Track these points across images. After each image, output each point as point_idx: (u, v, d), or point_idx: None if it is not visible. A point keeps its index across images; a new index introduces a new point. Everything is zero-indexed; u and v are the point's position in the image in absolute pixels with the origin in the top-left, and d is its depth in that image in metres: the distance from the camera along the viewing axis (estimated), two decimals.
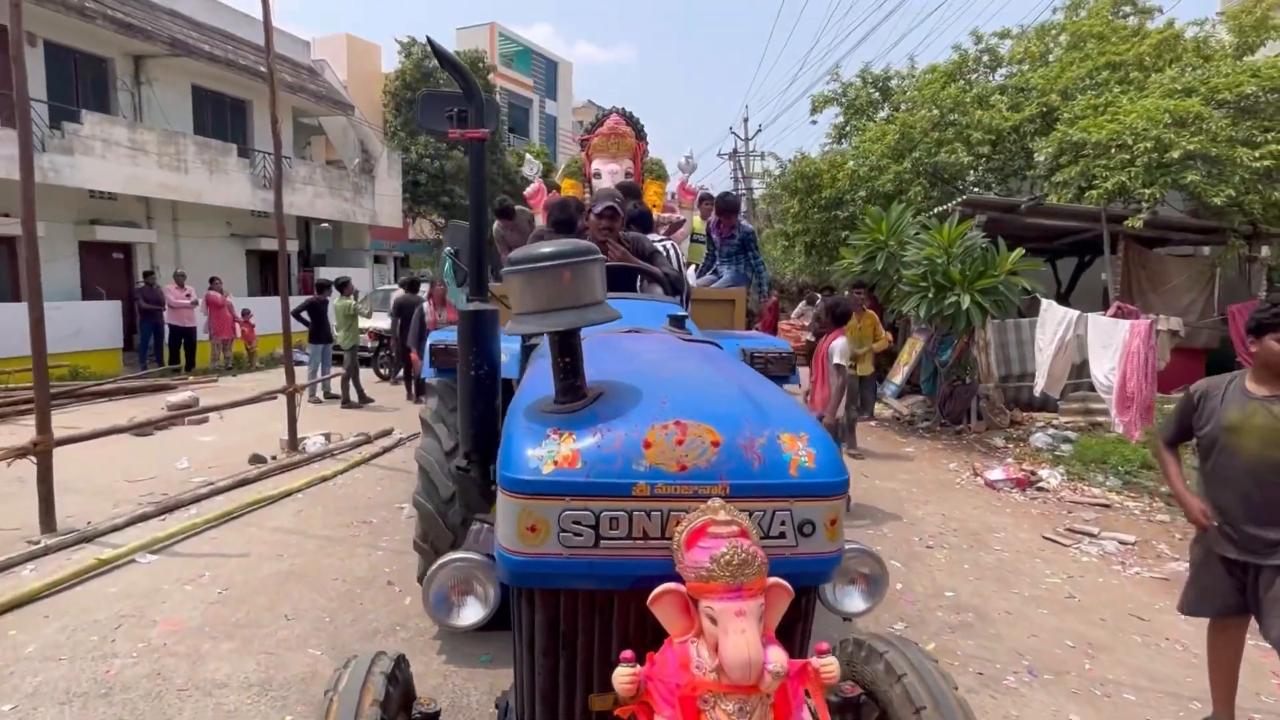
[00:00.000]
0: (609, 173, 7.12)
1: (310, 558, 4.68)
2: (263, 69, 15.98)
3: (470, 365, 2.27)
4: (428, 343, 3.62)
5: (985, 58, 11.44)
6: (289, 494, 5.97)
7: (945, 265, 7.97)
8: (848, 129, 13.25)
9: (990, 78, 11.26)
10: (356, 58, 27.73)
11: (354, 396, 10.09)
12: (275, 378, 12.70)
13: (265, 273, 17.77)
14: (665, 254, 4.06)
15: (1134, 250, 9.37)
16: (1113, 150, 9.05)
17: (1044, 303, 7.58)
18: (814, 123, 13.18)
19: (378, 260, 21.14)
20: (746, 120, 29.75)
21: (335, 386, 10.49)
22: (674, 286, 3.75)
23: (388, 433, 8.30)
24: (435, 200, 22.45)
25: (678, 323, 2.95)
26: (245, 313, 13.83)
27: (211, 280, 13.53)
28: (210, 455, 7.16)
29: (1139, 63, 10.18)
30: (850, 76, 13.19)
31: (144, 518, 5.25)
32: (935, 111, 10.77)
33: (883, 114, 12.75)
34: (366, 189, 18.94)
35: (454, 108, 2.44)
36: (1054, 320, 7.29)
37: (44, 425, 4.88)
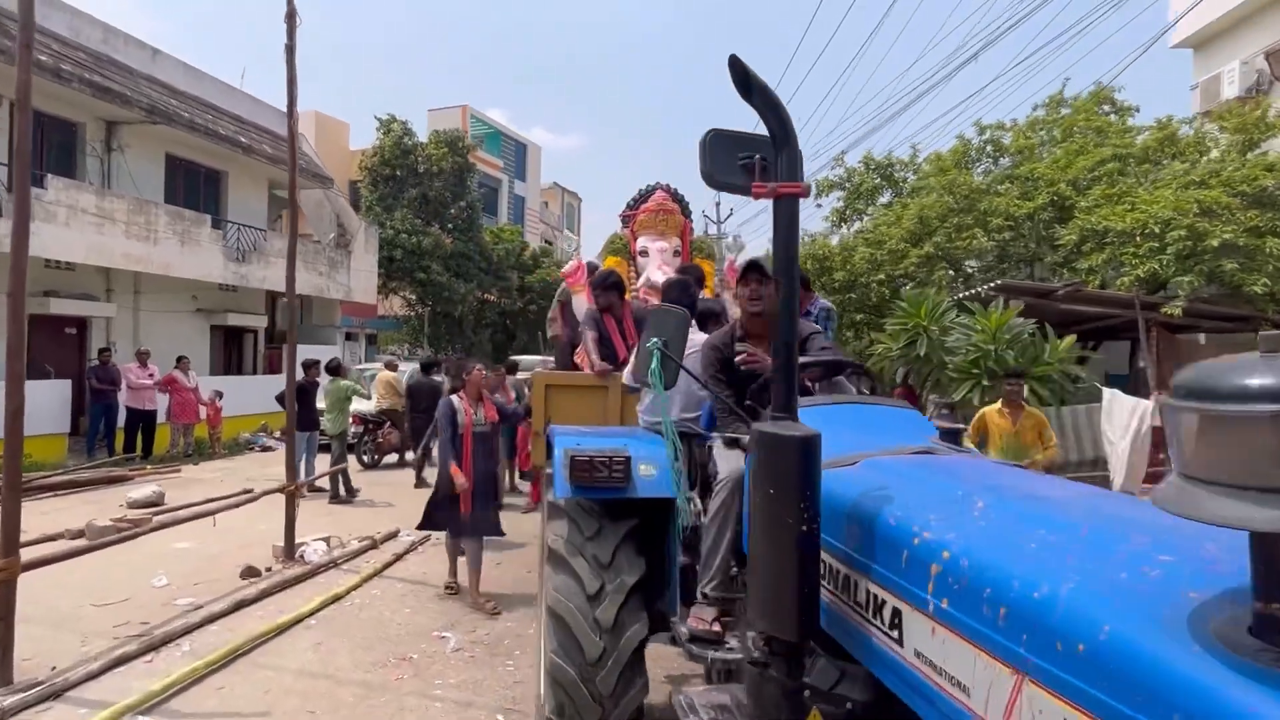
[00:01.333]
0: (657, 250, 6.59)
1: (349, 714, 3.71)
2: (243, 139, 15.29)
3: (786, 517, 1.55)
4: (562, 453, 2.88)
5: (989, 147, 11.58)
6: (300, 619, 4.95)
7: (996, 352, 7.60)
8: (848, 213, 13.23)
9: (994, 166, 11.35)
10: (325, 134, 27.36)
11: (343, 490, 9.03)
12: (244, 465, 11.52)
13: (231, 350, 16.57)
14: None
15: (1163, 338, 9.24)
16: (1138, 238, 9.03)
17: (1107, 393, 7.22)
18: (819, 205, 13.12)
19: (349, 337, 20.09)
20: (719, 204, 30.00)
21: (317, 477, 9.40)
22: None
23: (394, 534, 7.30)
24: (410, 276, 21.71)
25: (950, 437, 2.30)
26: (217, 394, 12.63)
27: (179, 360, 12.37)
28: (191, 567, 6.07)
29: (1145, 156, 10.37)
30: (853, 162, 13.19)
31: (125, 659, 4.20)
32: (949, 198, 10.74)
33: (884, 199, 12.78)
34: (342, 264, 18.12)
35: (753, 154, 1.79)
36: (1123, 410, 6.91)
37: (10, 545, 3.86)
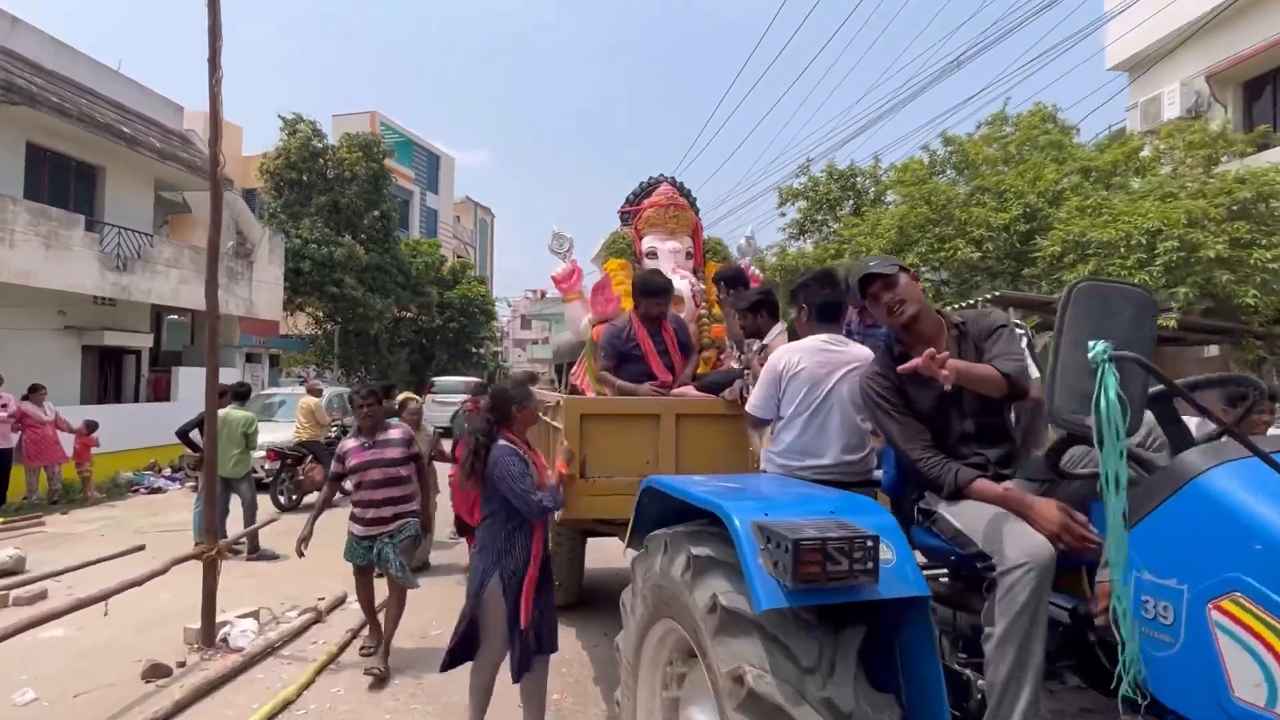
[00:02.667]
0: (669, 251, 5.62)
1: None
2: (125, 130, 13.21)
3: None
4: (749, 529, 1.82)
5: (954, 158, 11.33)
6: None
7: None
8: (807, 224, 12.73)
9: (959, 178, 11.10)
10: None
11: (262, 545, 7.44)
12: (128, 512, 9.45)
13: (107, 374, 14.22)
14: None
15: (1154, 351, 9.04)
16: (1122, 250, 8.82)
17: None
18: (782, 214, 12.59)
19: (249, 358, 17.89)
20: None
21: (237, 538, 7.74)
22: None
23: (341, 601, 5.89)
24: (320, 290, 19.70)
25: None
26: (89, 426, 10.51)
27: (31, 389, 10.12)
28: (69, 665, 4.50)
29: (1111, 170, 10.32)
30: (818, 171, 12.69)
31: None
32: (925, 208, 10.34)
33: (845, 210, 12.36)
34: (242, 276, 16.07)
35: None
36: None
37: None
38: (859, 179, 12.76)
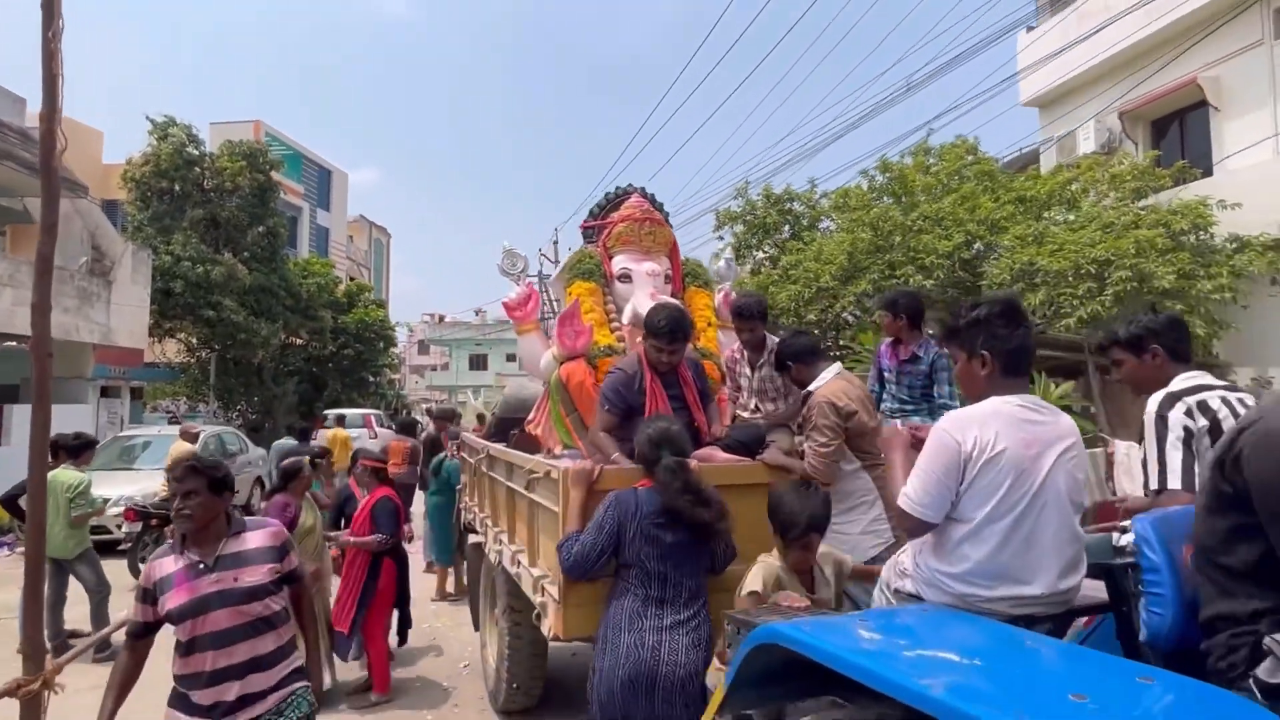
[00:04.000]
0: (645, 274, 4.78)
1: None
2: None
3: None
4: None
5: (893, 185, 11.13)
6: None
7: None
8: (743, 249, 12.23)
9: (898, 206, 10.89)
10: (74, 142, 21.88)
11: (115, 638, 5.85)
12: None
13: None
14: None
15: (1107, 382, 8.97)
16: (1070, 278, 8.73)
17: (1122, 446, 6.43)
18: (720, 238, 12.05)
19: (106, 392, 15.49)
20: (556, 243, 28.43)
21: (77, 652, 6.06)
22: None
23: None
24: (194, 314, 17.47)
25: None
26: None
27: None
28: None
29: (1046, 200, 10.38)
30: (754, 194, 12.21)
31: None
32: (870, 233, 10.02)
33: (784, 234, 11.95)
34: (99, 297, 13.87)
35: None
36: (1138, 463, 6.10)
37: None
38: (794, 204, 12.39)
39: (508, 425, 5.71)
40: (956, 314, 2.00)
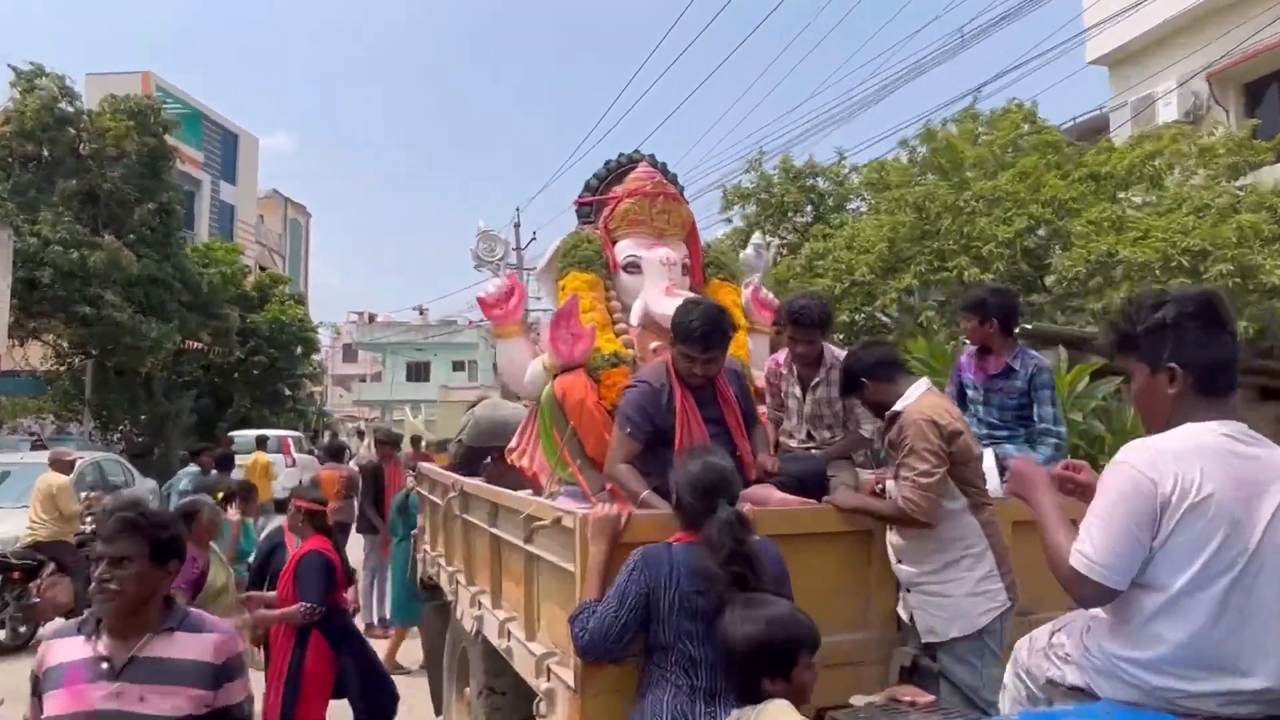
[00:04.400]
0: (657, 262, 4.67)
1: None
2: None
3: None
4: None
5: (940, 159, 11.07)
6: None
7: (1080, 424, 6.53)
8: (754, 231, 12.16)
9: (944, 183, 10.86)
10: None
11: None
12: None
13: None
14: None
15: None
16: (1159, 272, 8.74)
17: None
18: (728, 220, 11.97)
19: None
20: (518, 225, 28.28)
21: None
22: None
23: None
24: (67, 310, 17.04)
25: None
26: None
27: None
28: None
29: (1124, 178, 10.39)
30: (769, 167, 12.14)
31: None
32: (915, 216, 9.95)
33: (806, 217, 11.89)
34: None
35: None
36: None
37: None
38: (818, 180, 12.33)
39: (478, 455, 5.51)
40: (1132, 316, 1.85)
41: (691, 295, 4.47)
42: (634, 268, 4.62)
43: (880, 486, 3.09)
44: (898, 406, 2.82)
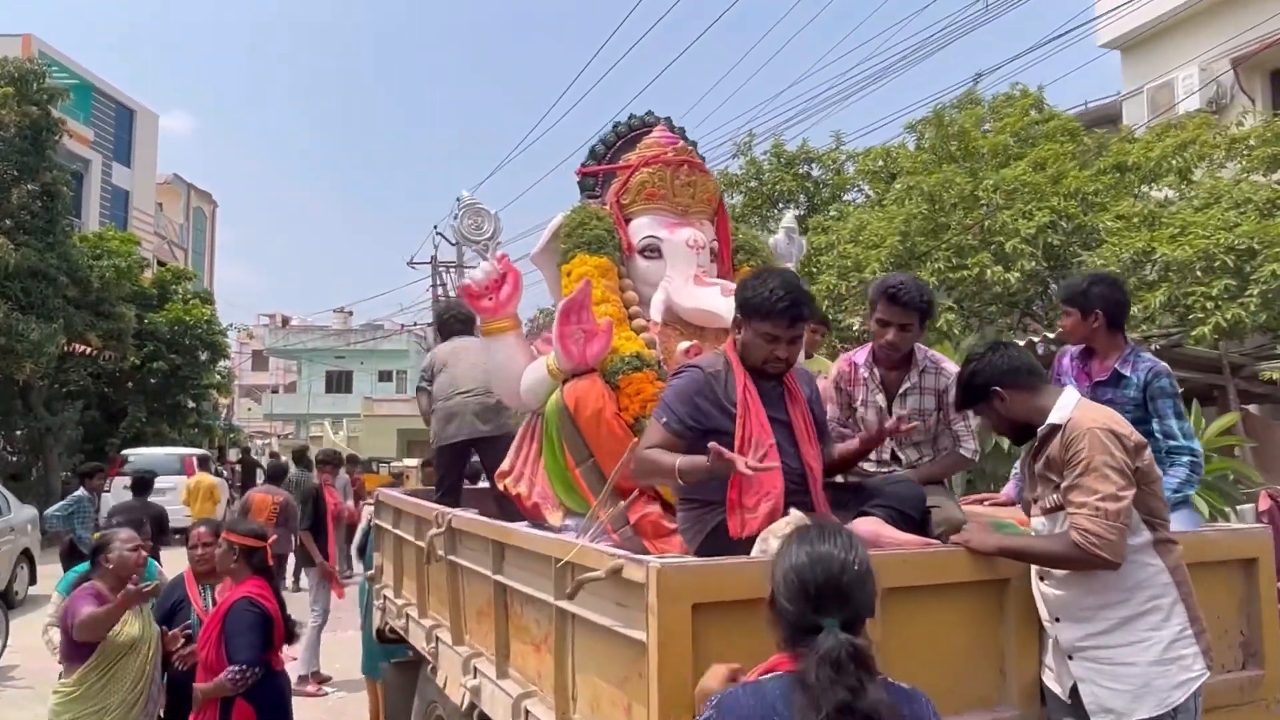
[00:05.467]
0: (684, 246, 4.31)
1: None
2: None
3: None
4: None
5: (954, 146, 10.87)
6: None
7: None
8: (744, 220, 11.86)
9: (964, 170, 10.69)
10: None
11: None
12: None
13: None
14: None
15: (1256, 415, 8.86)
16: (1200, 272, 8.62)
17: None
18: None
19: None
20: (458, 215, 27.37)
21: None
22: None
23: None
24: None
25: None
26: None
27: None
28: None
29: (1154, 169, 10.31)
30: (759, 153, 11.84)
31: None
32: (929, 207, 9.73)
33: (800, 208, 11.61)
34: None
35: None
36: None
37: None
38: (812, 167, 12.07)
39: (460, 456, 5.02)
40: None
41: (715, 281, 4.04)
42: (653, 251, 4.21)
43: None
44: (1055, 419, 2.42)
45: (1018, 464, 3.47)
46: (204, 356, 24.97)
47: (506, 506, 4.44)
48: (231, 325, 28.54)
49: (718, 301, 3.90)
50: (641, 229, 4.23)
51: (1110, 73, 14.69)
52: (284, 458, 14.85)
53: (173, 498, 14.14)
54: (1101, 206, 9.77)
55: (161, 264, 31.32)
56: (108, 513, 7.61)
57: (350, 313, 50.31)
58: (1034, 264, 9.30)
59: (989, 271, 9.08)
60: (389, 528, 4.83)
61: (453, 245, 28.93)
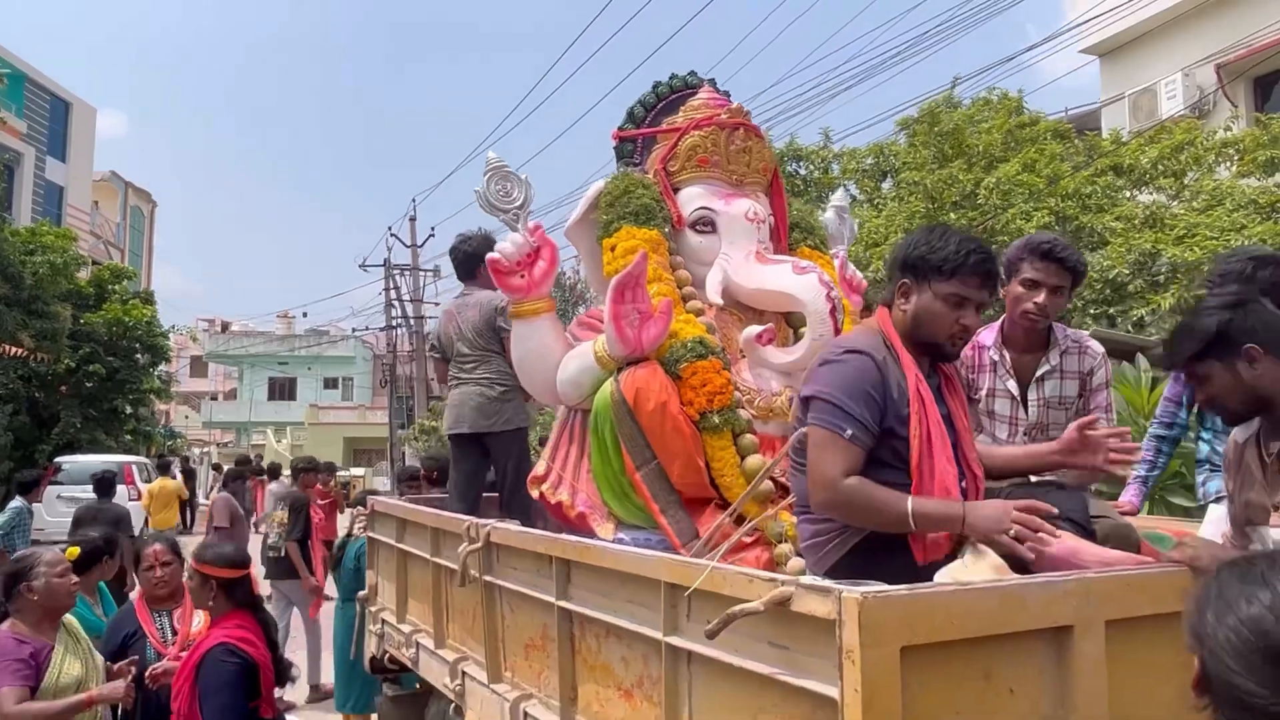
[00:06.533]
0: (742, 219, 3.80)
1: None
2: None
3: None
4: None
5: (947, 146, 10.57)
6: None
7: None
8: None
9: (966, 167, 10.42)
10: None
11: None
12: None
13: None
14: None
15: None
16: (1206, 270, 8.43)
17: None
18: None
19: None
20: (414, 219, 26.89)
21: None
22: None
23: None
24: None
25: None
26: None
27: None
28: None
29: (1153, 167, 10.14)
30: None
31: None
32: (928, 205, 9.42)
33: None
34: None
35: None
36: None
37: None
38: (799, 166, 11.68)
39: (465, 452, 4.43)
40: None
41: (806, 272, 3.51)
42: (706, 225, 3.68)
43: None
44: None
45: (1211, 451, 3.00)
46: (143, 360, 23.73)
47: (515, 514, 3.89)
48: (174, 327, 27.20)
49: (789, 280, 3.39)
50: (692, 199, 3.70)
51: (1086, 81, 14.58)
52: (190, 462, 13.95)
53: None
54: (1099, 208, 9.55)
55: (98, 264, 29.89)
56: (73, 518, 6.99)
57: (295, 317, 48.79)
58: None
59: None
60: (390, 542, 4.19)
61: (406, 248, 28.26)
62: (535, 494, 3.46)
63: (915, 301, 2.24)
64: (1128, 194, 10.54)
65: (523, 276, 3.49)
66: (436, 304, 28.88)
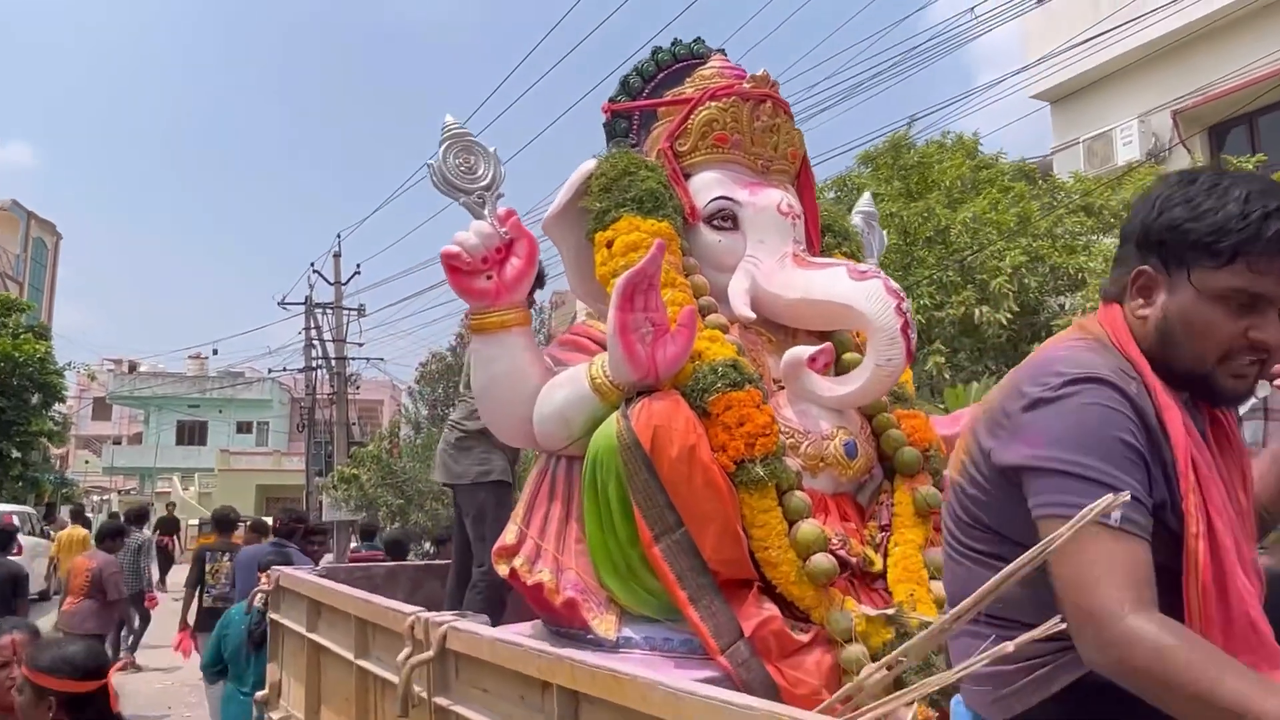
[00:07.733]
0: (772, 210, 2.98)
1: None
2: None
3: None
4: None
5: (913, 180, 10.09)
6: None
7: None
8: None
9: (944, 200, 10.01)
10: None
11: None
12: None
13: None
14: None
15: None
16: None
17: None
18: None
19: None
20: (339, 255, 25.69)
21: None
22: None
23: None
24: None
25: None
26: None
27: None
28: None
29: (1125, 209, 9.82)
30: None
31: None
32: (900, 239, 8.87)
33: None
34: None
35: None
36: None
37: None
38: None
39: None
40: None
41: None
42: (726, 219, 2.86)
43: None
44: None
45: None
46: (35, 399, 21.89)
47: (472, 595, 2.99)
48: (70, 365, 25.29)
49: (845, 287, 2.58)
50: (707, 188, 2.88)
51: (1034, 126, 14.52)
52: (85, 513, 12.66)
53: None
54: (1071, 249, 9.16)
55: None
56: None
57: (207, 357, 46.55)
58: (1020, 304, 8.52)
59: (976, 311, 8.20)
60: (299, 630, 3.18)
61: (330, 285, 26.89)
62: (504, 571, 2.53)
63: (1164, 303, 1.36)
64: (1095, 237, 10.23)
65: (489, 277, 2.59)
66: (360, 344, 27.56)
